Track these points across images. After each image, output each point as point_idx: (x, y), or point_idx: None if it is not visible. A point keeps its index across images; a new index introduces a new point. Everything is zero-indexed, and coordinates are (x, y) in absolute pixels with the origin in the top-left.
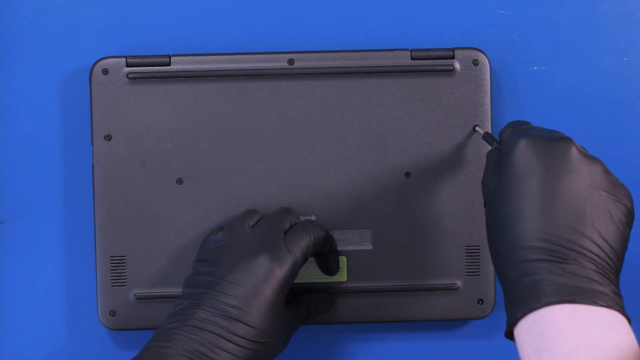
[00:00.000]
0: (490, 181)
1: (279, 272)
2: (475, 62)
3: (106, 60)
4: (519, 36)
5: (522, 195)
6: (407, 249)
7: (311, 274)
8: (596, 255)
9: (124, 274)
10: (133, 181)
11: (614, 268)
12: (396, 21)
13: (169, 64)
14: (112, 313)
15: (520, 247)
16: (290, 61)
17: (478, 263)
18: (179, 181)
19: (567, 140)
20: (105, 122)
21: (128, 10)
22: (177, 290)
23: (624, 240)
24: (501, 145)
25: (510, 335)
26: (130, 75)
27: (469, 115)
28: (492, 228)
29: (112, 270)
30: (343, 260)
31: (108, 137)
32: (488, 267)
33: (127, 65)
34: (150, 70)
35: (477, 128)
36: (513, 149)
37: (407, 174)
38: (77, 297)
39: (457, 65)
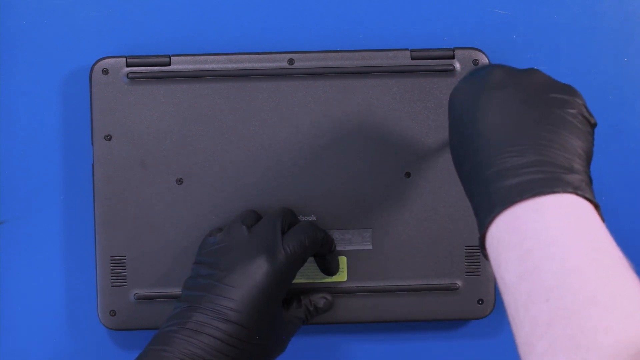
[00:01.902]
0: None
1: (277, 274)
2: (475, 62)
3: (106, 60)
4: (519, 36)
5: (466, 122)
6: (407, 249)
7: (311, 274)
8: (549, 146)
9: (124, 274)
10: (133, 181)
11: (575, 154)
12: (396, 21)
13: (169, 64)
14: (112, 313)
15: (477, 165)
16: (290, 61)
17: (478, 263)
18: (179, 181)
19: (496, 65)
20: (105, 122)
21: (128, 10)
22: (177, 290)
23: (584, 134)
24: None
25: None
26: (130, 75)
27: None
28: (457, 167)
29: (112, 270)
30: (343, 260)
31: (108, 137)
32: (488, 267)
33: (127, 65)
34: (150, 70)
35: None
36: (453, 91)
37: (407, 174)
38: (77, 297)
39: (457, 65)
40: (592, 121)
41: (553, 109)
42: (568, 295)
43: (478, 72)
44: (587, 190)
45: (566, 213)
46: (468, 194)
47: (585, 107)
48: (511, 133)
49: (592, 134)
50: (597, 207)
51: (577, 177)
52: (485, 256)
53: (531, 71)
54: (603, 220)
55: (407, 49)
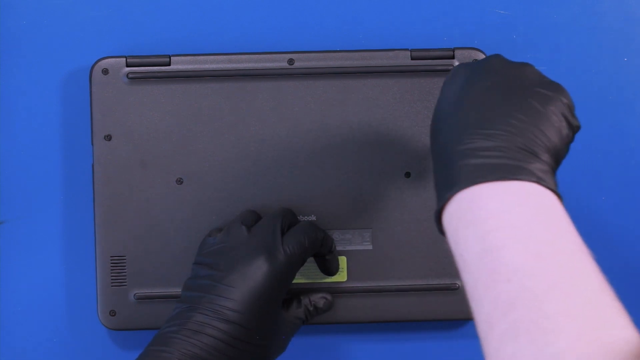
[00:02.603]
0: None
1: (276, 274)
2: None
3: (106, 60)
4: (519, 36)
5: (451, 100)
6: (407, 249)
7: (311, 274)
8: (523, 135)
9: (124, 274)
10: (133, 181)
11: (544, 148)
12: (396, 21)
13: (169, 64)
14: (112, 313)
15: (448, 142)
16: (290, 61)
17: None
18: (179, 181)
19: (495, 54)
20: (105, 122)
21: (128, 10)
22: (177, 290)
23: (559, 131)
24: None
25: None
26: (130, 75)
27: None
28: (431, 146)
29: (112, 270)
30: (343, 260)
31: (108, 137)
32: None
33: (127, 65)
34: (150, 70)
35: None
36: (448, 75)
37: (407, 174)
38: (77, 297)
39: None
40: (575, 123)
41: (533, 102)
42: (531, 278)
43: (475, 61)
44: (549, 181)
45: (529, 199)
46: (434, 169)
47: (570, 107)
48: (485, 116)
49: (571, 136)
50: (559, 197)
51: (540, 167)
52: (441, 231)
53: (524, 65)
54: (564, 209)
55: (407, 49)
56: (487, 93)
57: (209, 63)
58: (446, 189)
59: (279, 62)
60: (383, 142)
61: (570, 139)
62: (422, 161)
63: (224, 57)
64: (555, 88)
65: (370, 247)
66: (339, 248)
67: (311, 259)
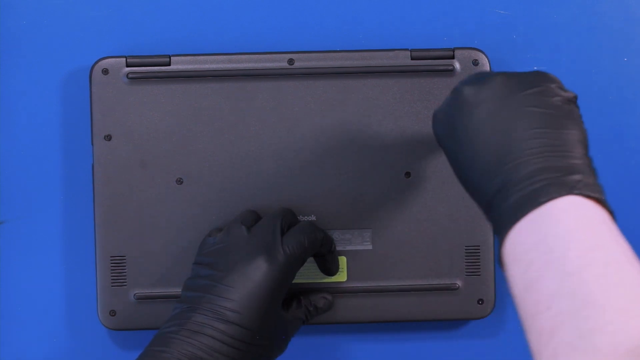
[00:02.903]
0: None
1: (276, 275)
2: (475, 62)
3: (106, 60)
4: (519, 36)
5: (452, 144)
6: (407, 249)
7: (311, 274)
8: (546, 151)
9: (124, 274)
10: (133, 181)
11: (572, 151)
12: (396, 21)
13: (169, 64)
14: (112, 313)
15: (476, 189)
16: (290, 61)
17: (478, 263)
18: (179, 181)
19: (463, 82)
20: (105, 122)
21: (128, 10)
22: (177, 290)
23: (571, 119)
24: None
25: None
26: (130, 75)
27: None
28: (456, 165)
29: (112, 270)
30: (343, 260)
31: (108, 137)
32: (488, 267)
33: (127, 65)
34: (150, 70)
35: None
36: (455, 89)
37: (407, 174)
38: (77, 297)
39: (457, 65)
40: (571, 96)
41: (531, 108)
42: (566, 300)
43: (450, 98)
44: (586, 187)
45: (564, 217)
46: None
47: (560, 87)
48: (500, 149)
49: (577, 109)
50: (600, 201)
51: (574, 178)
52: (502, 266)
53: (494, 76)
54: (611, 212)
55: (407, 49)
56: (486, 127)
57: (209, 63)
58: (498, 233)
59: (279, 62)
60: (383, 142)
61: (577, 111)
62: (422, 161)
63: (224, 57)
64: (537, 80)
65: (370, 247)
66: (339, 248)
67: (311, 259)
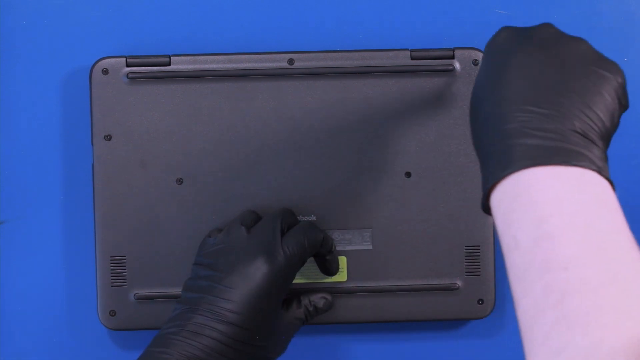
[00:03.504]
0: (478, 73)
1: (276, 275)
2: (475, 62)
3: (106, 60)
4: None
5: (500, 70)
6: (407, 249)
7: (311, 274)
8: (579, 118)
9: (124, 274)
10: (133, 181)
11: (599, 134)
12: (396, 21)
13: (169, 64)
14: (112, 313)
15: (497, 115)
16: (290, 61)
17: (478, 263)
18: (179, 181)
19: (546, 23)
20: (105, 122)
21: (128, 10)
22: (177, 290)
23: (612, 114)
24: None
25: (488, 209)
26: (130, 75)
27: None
28: (472, 108)
29: (112, 270)
30: (343, 260)
31: (108, 137)
32: (488, 267)
33: (127, 65)
34: (150, 70)
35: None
36: (494, 36)
37: (407, 174)
38: (77, 297)
39: (457, 65)
40: (624, 103)
41: (589, 82)
42: (589, 269)
43: (524, 27)
44: (606, 170)
45: (588, 188)
46: (479, 142)
47: (624, 87)
48: (542, 93)
49: (620, 115)
50: (613, 187)
51: (599, 155)
52: (487, 209)
53: (578, 40)
54: (612, 183)
55: (407, 49)
56: (541, 67)
57: (209, 63)
58: (501, 167)
59: (279, 62)
60: (383, 142)
61: (619, 120)
62: (422, 161)
63: (224, 57)
64: (612, 67)
65: (370, 247)
66: (339, 248)
67: (311, 259)
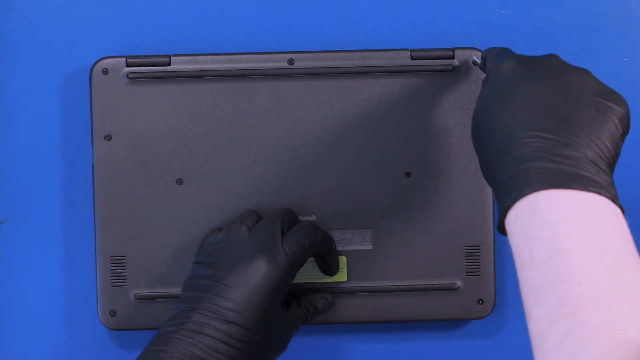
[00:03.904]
0: (481, 99)
1: (276, 275)
2: (475, 63)
3: (106, 60)
4: (519, 36)
5: (509, 97)
6: (407, 249)
7: (311, 274)
8: (590, 147)
9: (124, 274)
10: (133, 181)
11: (607, 162)
12: (396, 21)
13: (169, 64)
14: (112, 313)
15: (510, 141)
16: (290, 61)
17: (478, 263)
18: (179, 181)
19: (552, 54)
20: (105, 122)
21: (128, 10)
22: (177, 290)
23: (617, 143)
24: (487, 63)
25: (502, 229)
26: (130, 75)
27: (469, 115)
28: (479, 133)
29: (112, 270)
30: (343, 260)
31: (108, 137)
32: (488, 267)
33: (127, 65)
34: (150, 70)
35: (474, 58)
36: (499, 63)
37: (407, 174)
38: (77, 297)
39: (457, 65)
40: (626, 130)
41: (598, 114)
42: (602, 284)
43: (543, 57)
44: (617, 198)
45: (603, 213)
46: (490, 169)
47: (627, 117)
48: (556, 121)
49: (622, 142)
50: (624, 213)
51: (610, 184)
52: (502, 227)
53: (583, 71)
54: (622, 209)
55: (407, 49)
56: (550, 95)
57: (209, 63)
58: (519, 188)
59: (279, 62)
60: (383, 142)
61: (621, 146)
62: (422, 161)
63: (224, 57)
64: (616, 98)
65: (370, 247)
66: (339, 248)
67: (311, 259)
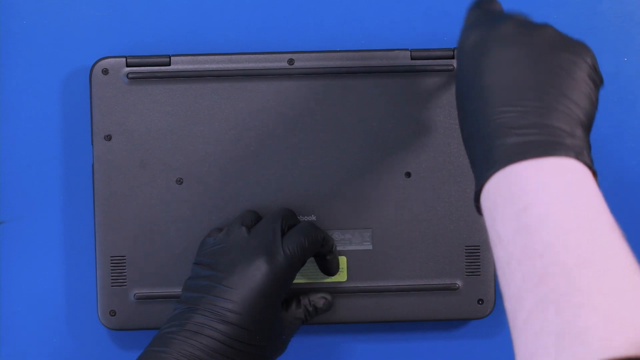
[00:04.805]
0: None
1: (276, 275)
2: None
3: (106, 60)
4: None
5: (475, 74)
6: (407, 249)
7: (311, 274)
8: (556, 109)
9: (124, 274)
10: (133, 181)
11: (578, 120)
12: (396, 21)
13: (169, 64)
14: (112, 313)
15: (476, 123)
16: (290, 61)
17: (478, 263)
18: (179, 181)
19: (510, 16)
20: (105, 122)
21: (128, 10)
22: (177, 290)
23: (589, 96)
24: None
25: (481, 211)
26: (130, 75)
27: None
28: (460, 118)
29: (112, 270)
30: (343, 260)
31: (108, 137)
32: (488, 267)
33: (127, 65)
34: (150, 70)
35: None
36: (461, 39)
37: (407, 174)
38: (77, 297)
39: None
40: (599, 81)
41: (561, 70)
42: (563, 253)
43: (489, 21)
44: (586, 155)
45: (566, 176)
46: (467, 146)
47: (595, 66)
48: (516, 92)
49: (597, 94)
50: (594, 174)
51: (577, 143)
52: (478, 209)
53: (544, 27)
54: (598, 187)
55: (407, 49)
56: (514, 67)
57: (209, 63)
58: (485, 169)
59: (279, 62)
60: (383, 142)
61: (597, 97)
62: (422, 161)
63: (224, 57)
64: (580, 49)
65: (370, 247)
66: (339, 248)
67: (311, 259)
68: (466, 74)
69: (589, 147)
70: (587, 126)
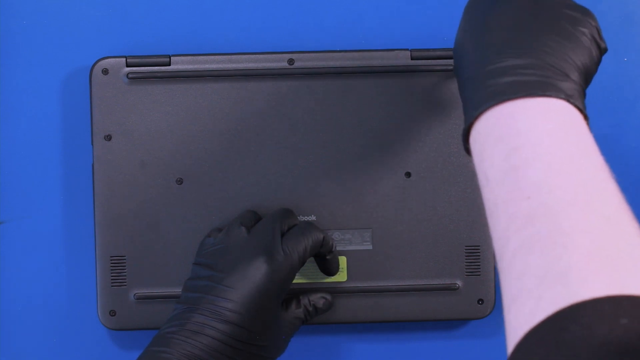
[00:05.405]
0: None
1: (276, 275)
2: None
3: (106, 60)
4: None
5: (480, 20)
6: (407, 249)
7: (311, 274)
8: (553, 53)
9: (124, 274)
10: (133, 181)
11: (575, 67)
12: (396, 21)
13: (169, 64)
14: (112, 313)
15: (477, 63)
16: (290, 61)
17: (478, 263)
18: (179, 181)
19: None
20: (105, 122)
21: (128, 10)
22: (177, 290)
23: (590, 53)
24: None
25: (470, 153)
26: (130, 75)
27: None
28: (456, 66)
29: (112, 270)
30: (343, 260)
31: (108, 137)
32: (488, 267)
33: (127, 65)
34: (150, 70)
35: None
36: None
37: (407, 174)
38: (77, 297)
39: None
40: (602, 45)
41: (563, 22)
42: (550, 194)
43: None
44: (578, 99)
45: (557, 117)
46: (461, 90)
47: (598, 29)
48: (516, 36)
49: (599, 57)
50: (586, 118)
51: (570, 86)
52: (467, 150)
53: None
54: (586, 117)
55: (407, 49)
56: (516, 14)
57: (209, 63)
58: (475, 107)
59: (279, 62)
60: (383, 142)
61: (599, 60)
62: (422, 161)
63: (224, 57)
64: (584, 11)
65: (370, 247)
66: (339, 248)
67: (311, 259)
68: (470, 21)
69: (584, 95)
70: (584, 75)
